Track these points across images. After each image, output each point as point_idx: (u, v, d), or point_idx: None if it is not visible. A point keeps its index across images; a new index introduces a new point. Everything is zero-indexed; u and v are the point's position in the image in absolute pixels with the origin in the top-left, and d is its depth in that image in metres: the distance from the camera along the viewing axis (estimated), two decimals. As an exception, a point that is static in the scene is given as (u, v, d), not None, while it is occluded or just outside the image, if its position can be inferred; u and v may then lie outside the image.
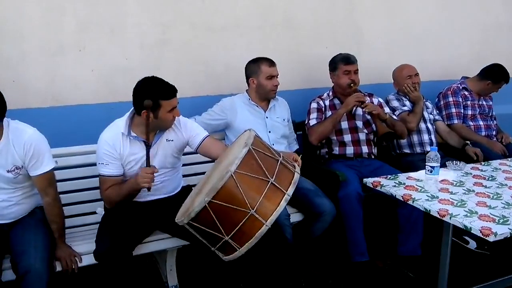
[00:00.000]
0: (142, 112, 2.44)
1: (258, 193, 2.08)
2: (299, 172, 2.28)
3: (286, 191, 2.13)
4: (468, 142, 3.87)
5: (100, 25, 3.19)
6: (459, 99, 4.05)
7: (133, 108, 2.54)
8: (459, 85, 4.12)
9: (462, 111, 4.05)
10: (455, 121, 4.02)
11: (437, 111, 4.07)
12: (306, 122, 3.52)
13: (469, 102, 4.07)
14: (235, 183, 2.05)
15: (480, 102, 4.14)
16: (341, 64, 3.47)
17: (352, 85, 3.44)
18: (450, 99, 4.05)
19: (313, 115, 3.48)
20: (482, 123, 4.08)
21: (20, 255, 2.27)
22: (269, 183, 2.11)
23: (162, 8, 3.36)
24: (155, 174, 2.46)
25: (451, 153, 3.76)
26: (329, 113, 3.51)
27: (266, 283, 2.71)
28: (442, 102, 4.11)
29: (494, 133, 4.12)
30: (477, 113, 4.09)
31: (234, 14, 3.61)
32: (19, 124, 2.36)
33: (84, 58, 3.18)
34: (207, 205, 2.05)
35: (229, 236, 2.10)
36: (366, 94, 3.52)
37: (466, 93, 4.09)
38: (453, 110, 4.03)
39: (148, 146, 2.47)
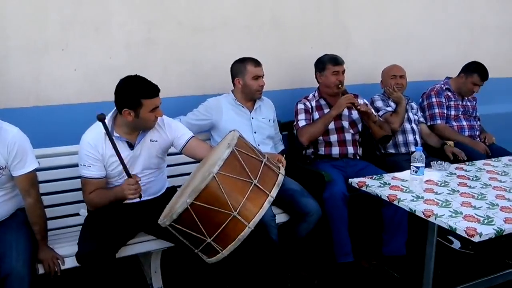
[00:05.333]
0: (123, 111, 2.42)
1: (241, 194, 2.07)
2: (284, 174, 2.26)
3: (270, 193, 2.11)
4: (447, 142, 3.89)
5: (85, 23, 3.15)
6: (442, 100, 4.07)
7: (116, 107, 2.51)
8: (442, 85, 4.14)
9: (445, 111, 4.07)
10: (438, 122, 4.03)
11: (421, 113, 4.09)
12: (294, 123, 3.52)
13: (452, 103, 4.10)
14: (218, 184, 2.03)
15: (464, 103, 4.16)
16: (330, 64, 3.48)
17: (340, 86, 3.45)
18: (433, 99, 4.07)
19: (301, 116, 3.48)
20: (465, 123, 4.10)
21: (1, 257, 2.23)
22: (253, 184, 2.09)
23: (148, 7, 3.33)
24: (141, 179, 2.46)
25: (431, 152, 3.79)
26: (316, 114, 3.51)
27: (252, 284, 2.70)
28: (425, 103, 4.13)
29: (477, 133, 4.15)
30: (460, 113, 4.11)
31: (220, 13, 3.59)
32: (2, 124, 2.32)
33: (68, 57, 3.13)
34: (189, 206, 2.04)
35: (212, 238, 2.09)
36: (352, 94, 3.52)
37: (449, 93, 4.12)
38: (436, 110, 4.04)
39: (121, 157, 2.42)
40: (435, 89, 4.11)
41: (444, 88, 4.12)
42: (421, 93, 4.22)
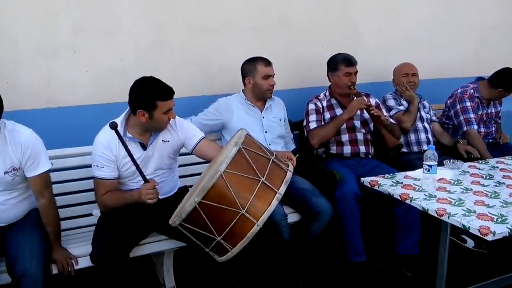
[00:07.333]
0: (137, 112, 2.43)
1: (249, 192, 2.07)
2: (292, 171, 2.26)
3: (278, 190, 2.11)
4: (460, 140, 3.84)
5: (95, 26, 3.17)
6: (475, 105, 3.90)
7: (129, 108, 2.52)
8: (473, 91, 3.93)
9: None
10: (475, 127, 3.84)
11: (453, 116, 3.96)
12: (305, 124, 3.50)
13: (479, 112, 3.94)
14: (225, 183, 2.04)
15: (490, 110, 4.02)
16: (343, 65, 3.45)
17: (352, 87, 3.44)
18: (468, 104, 3.87)
19: (312, 117, 3.46)
20: (483, 130, 3.98)
21: (15, 259, 2.25)
22: (260, 182, 2.09)
23: (157, 9, 3.35)
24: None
25: (444, 151, 3.75)
26: (327, 113, 3.50)
27: (263, 284, 2.70)
28: (459, 107, 3.90)
29: (491, 138, 4.08)
30: (481, 122, 3.98)
31: (228, 14, 3.60)
32: (15, 125, 2.35)
33: (79, 59, 3.16)
34: (197, 205, 2.04)
35: (221, 237, 2.09)
36: (363, 94, 3.51)
37: (478, 101, 3.94)
38: (472, 115, 3.84)
39: (137, 160, 2.46)
40: (468, 93, 3.91)
41: (475, 95, 3.92)
42: (431, 92, 4.14)
